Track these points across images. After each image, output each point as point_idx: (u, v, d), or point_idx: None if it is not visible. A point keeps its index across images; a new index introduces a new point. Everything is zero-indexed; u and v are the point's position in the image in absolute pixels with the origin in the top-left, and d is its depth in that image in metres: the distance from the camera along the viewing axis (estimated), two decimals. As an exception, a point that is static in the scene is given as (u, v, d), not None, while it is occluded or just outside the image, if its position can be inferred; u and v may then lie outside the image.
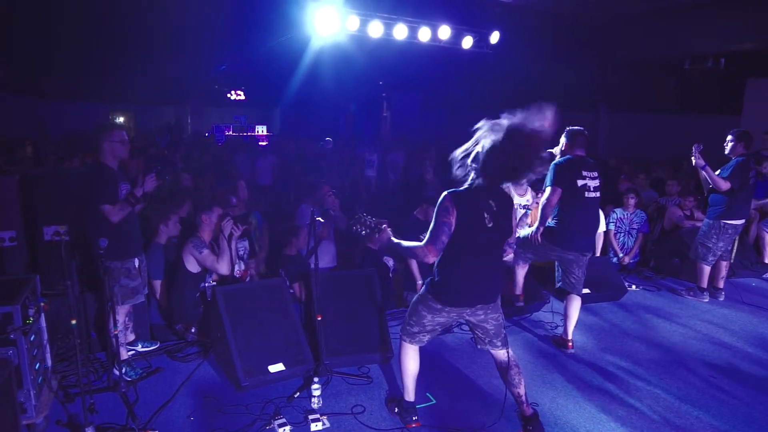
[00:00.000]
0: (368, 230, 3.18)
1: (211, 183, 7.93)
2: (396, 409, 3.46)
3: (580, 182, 4.17)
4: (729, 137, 5.50)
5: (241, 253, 5.17)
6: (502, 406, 3.39)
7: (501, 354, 3.23)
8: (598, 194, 4.27)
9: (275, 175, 10.85)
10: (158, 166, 3.99)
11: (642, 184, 8.06)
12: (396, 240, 3.11)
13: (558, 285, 4.59)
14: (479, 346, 3.28)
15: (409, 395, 3.37)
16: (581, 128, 4.34)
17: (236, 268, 5.04)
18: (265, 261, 5.85)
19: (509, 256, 3.29)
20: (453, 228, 2.86)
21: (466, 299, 3.05)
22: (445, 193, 2.92)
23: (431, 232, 2.90)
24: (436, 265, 3.05)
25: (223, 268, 4.49)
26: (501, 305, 3.25)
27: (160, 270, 4.73)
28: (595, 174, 4.24)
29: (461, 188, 2.95)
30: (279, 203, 9.12)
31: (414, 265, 5.40)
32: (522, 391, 3.22)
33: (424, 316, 3.14)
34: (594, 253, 4.38)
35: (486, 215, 2.89)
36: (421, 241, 2.94)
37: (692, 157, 5.38)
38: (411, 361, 3.30)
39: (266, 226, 6.24)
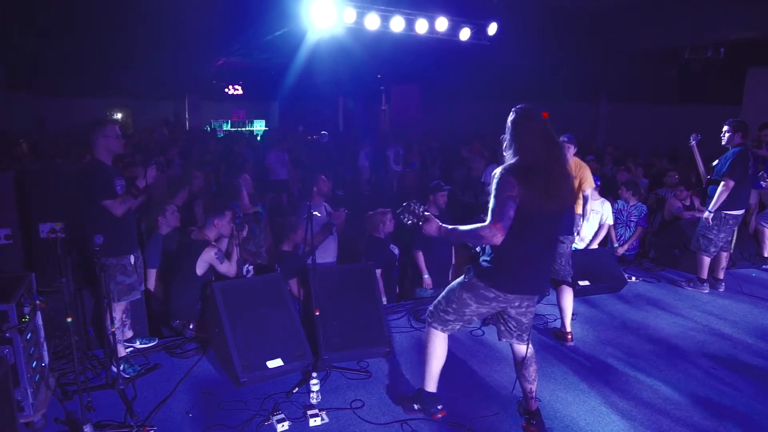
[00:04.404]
0: (415, 219, 2.95)
1: (211, 179, 7.88)
2: (416, 406, 3.32)
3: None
4: (725, 128, 5.47)
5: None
6: (497, 394, 3.38)
7: (523, 349, 3.12)
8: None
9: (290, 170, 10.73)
10: (159, 157, 3.98)
11: (636, 173, 8.07)
12: (449, 227, 2.88)
13: None
14: (503, 340, 3.16)
15: (433, 385, 3.23)
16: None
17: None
18: (268, 254, 5.83)
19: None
20: (518, 203, 2.65)
21: (528, 287, 2.89)
22: (500, 170, 2.73)
23: (495, 210, 2.65)
24: (489, 249, 2.86)
25: (233, 272, 4.54)
26: None
27: (156, 259, 4.77)
28: None
29: (515, 163, 2.73)
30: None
31: (420, 259, 5.34)
32: (534, 387, 3.18)
33: (468, 305, 2.96)
34: (575, 236, 4.53)
35: (545, 189, 2.70)
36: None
37: (690, 141, 5.49)
38: (440, 348, 3.14)
39: (268, 220, 6.25)
